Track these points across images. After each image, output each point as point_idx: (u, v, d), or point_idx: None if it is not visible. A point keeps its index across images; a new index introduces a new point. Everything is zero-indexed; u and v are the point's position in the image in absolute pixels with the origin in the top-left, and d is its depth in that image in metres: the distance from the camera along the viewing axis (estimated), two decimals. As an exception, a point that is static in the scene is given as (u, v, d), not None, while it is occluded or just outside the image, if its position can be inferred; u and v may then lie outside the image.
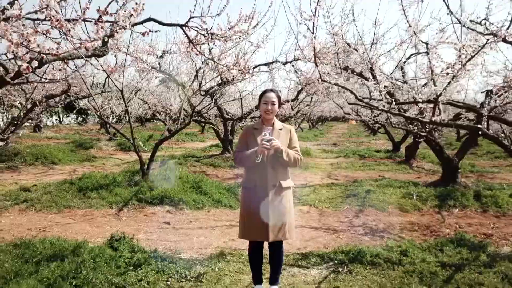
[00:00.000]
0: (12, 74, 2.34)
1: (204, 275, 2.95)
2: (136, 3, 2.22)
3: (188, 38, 2.89)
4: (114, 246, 3.16)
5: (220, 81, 8.03)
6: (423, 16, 7.12)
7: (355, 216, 5.09)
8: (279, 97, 2.64)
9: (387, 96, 4.42)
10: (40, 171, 7.80)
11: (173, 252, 3.47)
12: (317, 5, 3.39)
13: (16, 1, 1.87)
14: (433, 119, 3.40)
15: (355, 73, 6.76)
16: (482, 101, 7.25)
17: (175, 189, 5.45)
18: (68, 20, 2.04)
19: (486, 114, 3.78)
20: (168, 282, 2.81)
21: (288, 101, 10.41)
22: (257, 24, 3.65)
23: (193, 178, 6.07)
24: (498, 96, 6.03)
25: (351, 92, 4.12)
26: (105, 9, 2.10)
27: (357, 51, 6.14)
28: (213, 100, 8.58)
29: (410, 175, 9.11)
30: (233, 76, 7.10)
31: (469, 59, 3.51)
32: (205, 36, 2.82)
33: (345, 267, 3.16)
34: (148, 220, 4.65)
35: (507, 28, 4.53)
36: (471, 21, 5.42)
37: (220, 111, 9.87)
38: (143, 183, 5.64)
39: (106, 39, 2.52)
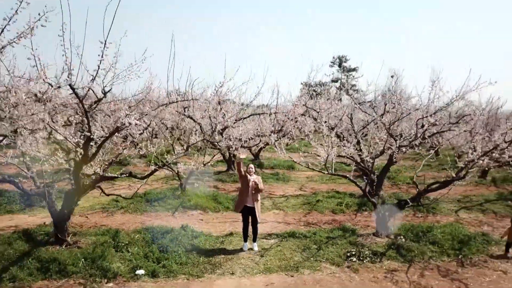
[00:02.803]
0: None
1: (224, 241, 6.97)
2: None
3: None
4: (184, 229, 7.18)
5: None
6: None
7: (303, 216, 9.13)
8: (255, 166, 6.67)
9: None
10: (107, 187, 11.79)
11: (208, 232, 7.48)
12: (275, 114, 7.39)
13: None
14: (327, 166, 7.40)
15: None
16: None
17: (202, 200, 9.49)
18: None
19: (358, 160, 7.77)
20: (210, 244, 6.82)
21: (274, 132, 14.45)
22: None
23: (212, 192, 10.14)
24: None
25: (289, 157, 8.10)
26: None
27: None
28: (223, 136, 12.62)
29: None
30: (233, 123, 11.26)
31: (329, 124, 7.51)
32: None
33: (286, 238, 7.17)
34: (190, 218, 8.68)
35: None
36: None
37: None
38: (183, 197, 9.68)
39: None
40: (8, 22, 4.48)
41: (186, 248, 6.40)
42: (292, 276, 5.65)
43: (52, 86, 4.10)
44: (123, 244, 6.21)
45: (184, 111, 12.57)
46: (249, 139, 13.82)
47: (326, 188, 12.58)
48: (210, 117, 10.78)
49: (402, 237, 7.20)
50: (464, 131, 8.79)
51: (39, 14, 4.62)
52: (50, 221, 7.44)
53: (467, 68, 7.35)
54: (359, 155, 9.24)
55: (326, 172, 7.32)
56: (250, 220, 6.59)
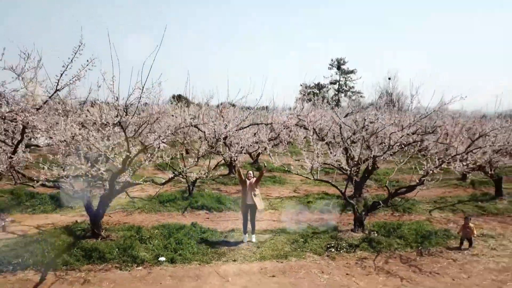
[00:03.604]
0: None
1: (227, 236, 8.43)
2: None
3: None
4: (194, 226, 8.63)
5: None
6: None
7: (295, 215, 10.58)
8: (253, 172, 8.12)
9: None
10: (123, 189, 13.24)
11: (214, 229, 8.93)
12: (271, 125, 8.83)
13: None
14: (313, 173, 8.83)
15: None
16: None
17: (208, 201, 10.94)
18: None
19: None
20: (216, 237, 8.27)
21: (271, 139, 15.91)
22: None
23: (216, 195, 11.60)
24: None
25: (282, 165, 9.54)
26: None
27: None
28: (225, 144, 14.07)
29: (348, 189, 14.55)
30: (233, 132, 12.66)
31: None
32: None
33: (279, 234, 8.62)
34: (198, 217, 10.13)
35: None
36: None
37: (228, 148, 15.33)
38: (191, 198, 11.14)
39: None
40: (66, 68, 5.94)
41: (197, 241, 7.86)
42: (281, 263, 7.10)
43: (109, 124, 5.56)
44: (145, 238, 7.67)
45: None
46: (248, 146, 15.31)
47: (318, 190, 14.01)
48: (214, 128, 12.20)
49: (375, 232, 8.65)
50: (434, 141, 10.21)
51: (87, 61, 6.08)
52: (81, 220, 8.94)
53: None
54: (352, 158, 10.63)
55: (312, 178, 8.76)
56: (249, 217, 8.05)
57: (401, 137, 8.89)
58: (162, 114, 10.22)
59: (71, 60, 5.90)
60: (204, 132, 13.72)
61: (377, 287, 6.29)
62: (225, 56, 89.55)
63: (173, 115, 13.96)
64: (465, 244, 8.22)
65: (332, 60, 67.41)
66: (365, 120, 9.84)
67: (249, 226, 8.17)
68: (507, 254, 7.93)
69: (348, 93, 67.62)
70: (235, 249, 7.70)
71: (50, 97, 5.87)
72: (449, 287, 6.42)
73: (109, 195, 7.08)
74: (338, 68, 67.74)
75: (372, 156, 9.20)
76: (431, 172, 7.39)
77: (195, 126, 14.26)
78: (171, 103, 20.80)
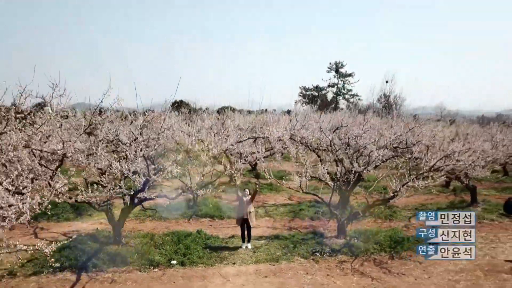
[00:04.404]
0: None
1: (227, 242, 9.81)
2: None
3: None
4: (199, 233, 10.00)
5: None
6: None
7: (288, 222, 11.96)
8: (249, 191, 9.51)
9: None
10: (133, 197, 14.60)
11: (216, 235, 10.29)
12: (267, 138, 10.20)
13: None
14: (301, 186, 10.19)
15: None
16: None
17: (211, 209, 12.32)
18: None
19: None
20: (218, 243, 9.65)
21: (267, 150, 17.29)
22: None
23: (218, 203, 12.99)
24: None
25: (276, 181, 10.90)
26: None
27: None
28: (226, 154, 15.45)
29: (337, 198, 15.92)
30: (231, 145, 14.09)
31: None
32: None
33: (272, 240, 10.00)
34: (202, 224, 11.51)
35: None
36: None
37: (228, 157, 16.71)
38: (196, 207, 12.52)
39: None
40: (97, 108, 7.30)
41: (202, 246, 9.23)
42: (273, 265, 8.48)
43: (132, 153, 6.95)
44: (159, 244, 9.05)
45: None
46: (246, 156, 16.71)
47: (310, 198, 15.34)
48: (215, 141, 13.59)
49: (355, 238, 10.02)
50: (408, 157, 11.57)
51: (114, 100, 7.44)
52: (102, 227, 10.32)
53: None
54: (345, 167, 11.99)
55: (301, 192, 10.13)
56: (245, 227, 9.43)
57: (379, 155, 10.23)
58: (172, 131, 11.61)
59: (101, 101, 7.26)
60: (208, 146, 15.13)
61: (351, 286, 7.67)
62: (225, 56, 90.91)
63: (178, 129, 15.34)
64: (433, 248, 9.56)
65: (330, 63, 68.78)
66: (349, 138, 11.18)
67: (246, 234, 9.54)
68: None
69: (347, 96, 68.95)
70: (235, 253, 9.08)
71: (84, 131, 7.23)
72: (411, 285, 7.79)
73: (130, 208, 8.46)
74: (337, 71, 69.05)
75: (353, 171, 10.55)
76: (399, 189, 8.77)
77: (200, 139, 15.67)
78: (173, 110, 22.15)
